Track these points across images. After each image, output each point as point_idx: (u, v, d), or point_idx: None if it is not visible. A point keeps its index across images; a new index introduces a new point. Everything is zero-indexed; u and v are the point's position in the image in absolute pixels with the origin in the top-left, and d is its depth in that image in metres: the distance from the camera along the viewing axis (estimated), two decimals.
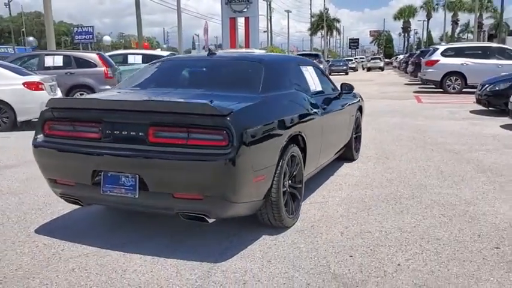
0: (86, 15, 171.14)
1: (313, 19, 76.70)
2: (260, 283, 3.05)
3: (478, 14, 58.52)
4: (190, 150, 3.20)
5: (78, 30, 54.13)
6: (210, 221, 3.40)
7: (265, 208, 3.72)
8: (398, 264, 3.29)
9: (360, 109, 6.76)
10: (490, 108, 11.79)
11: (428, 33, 77.34)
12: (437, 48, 18.78)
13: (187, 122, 3.22)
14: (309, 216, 4.30)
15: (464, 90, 17.26)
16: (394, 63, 53.08)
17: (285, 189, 3.87)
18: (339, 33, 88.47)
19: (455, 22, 63.43)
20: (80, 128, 3.57)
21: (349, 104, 6.03)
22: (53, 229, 4.04)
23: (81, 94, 12.67)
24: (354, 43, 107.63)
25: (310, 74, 5.04)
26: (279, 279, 3.09)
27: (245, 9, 30.58)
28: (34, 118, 9.77)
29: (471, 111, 12.27)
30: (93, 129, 3.50)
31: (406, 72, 30.82)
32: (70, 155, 3.55)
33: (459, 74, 17.32)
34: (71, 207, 4.55)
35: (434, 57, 17.90)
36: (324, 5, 65.79)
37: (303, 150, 4.22)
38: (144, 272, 3.21)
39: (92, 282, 3.08)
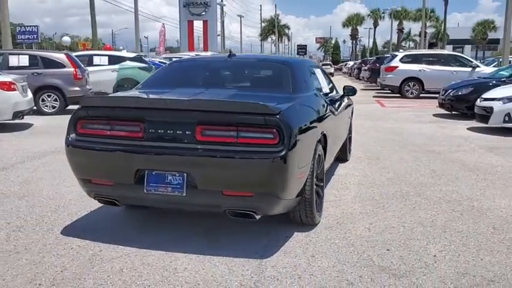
0: (27, 14, 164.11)
1: (263, 24, 77.63)
2: (314, 277, 3.15)
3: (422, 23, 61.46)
4: (240, 149, 3.25)
5: (21, 30, 51.74)
6: (258, 217, 3.46)
7: (298, 206, 3.82)
8: (435, 256, 3.49)
9: (352, 111, 7.02)
10: (453, 112, 12.47)
11: (374, 40, 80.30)
12: (396, 55, 19.62)
13: (237, 121, 3.27)
14: (330, 214, 4.43)
15: (421, 95, 18.14)
16: (344, 69, 54.58)
17: (315, 187, 3.99)
18: (289, 39, 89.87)
19: (400, 30, 66.26)
20: (119, 127, 3.52)
21: (348, 105, 6.26)
22: (79, 230, 3.94)
23: (48, 96, 12.24)
24: (302, 49, 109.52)
25: (320, 76, 5.20)
26: (331, 273, 3.21)
27: (203, 13, 30.56)
28: (5, 120, 9.36)
29: (434, 115, 12.90)
30: (135, 128, 3.47)
31: (358, 78, 31.89)
32: (111, 154, 3.49)
33: (417, 80, 18.16)
34: (86, 209, 4.46)
35: (393, 64, 18.69)
36: (276, 11, 66.84)
37: (324, 149, 4.36)
38: (196, 270, 3.22)
39: (148, 281, 3.07)
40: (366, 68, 26.27)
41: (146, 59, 17.17)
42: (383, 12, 66.60)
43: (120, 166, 3.52)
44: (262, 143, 3.26)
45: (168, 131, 3.40)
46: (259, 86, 4.29)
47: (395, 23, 63.49)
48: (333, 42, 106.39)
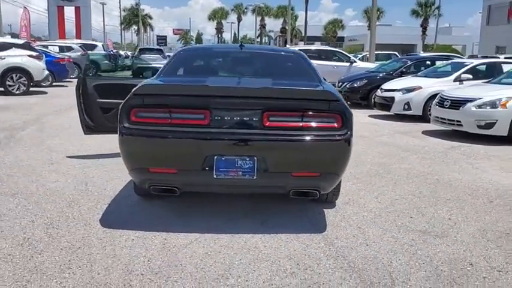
0: None
1: (123, 13, 74.70)
2: (375, 243, 3.59)
3: (282, 20, 65.08)
4: (308, 133, 3.53)
5: None
6: (319, 195, 3.77)
7: None
8: (449, 219, 4.19)
9: None
10: (349, 103, 13.85)
11: (234, 34, 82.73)
12: None
13: (302, 107, 3.54)
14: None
15: None
16: None
17: None
18: (152, 29, 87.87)
19: (262, 26, 69.46)
20: (182, 115, 3.53)
21: None
22: (122, 221, 3.83)
23: None
24: (162, 40, 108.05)
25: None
26: (387, 239, 3.69)
27: None
28: None
29: None
30: (199, 116, 3.52)
31: None
32: (177, 141, 3.49)
33: None
34: (104, 202, 4.30)
35: None
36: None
37: None
38: (274, 247, 3.45)
39: (240, 261, 3.21)
40: None
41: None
42: (246, 8, 69.15)
43: (188, 153, 3.54)
44: (327, 127, 3.57)
45: (235, 118, 3.52)
46: (286, 74, 4.55)
47: (259, 19, 66.39)
48: (194, 34, 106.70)
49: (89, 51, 18.56)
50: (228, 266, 3.14)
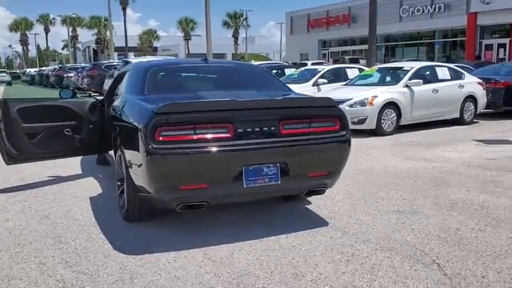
0: None
1: None
2: (374, 224, 4.18)
3: (97, 31, 62.43)
4: (316, 136, 3.93)
5: None
6: (325, 191, 4.20)
7: None
8: (403, 198, 5.01)
9: None
10: None
11: (39, 47, 76.34)
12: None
13: (310, 114, 3.94)
14: None
15: None
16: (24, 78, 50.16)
17: None
18: None
19: (75, 37, 65.43)
20: (206, 130, 3.59)
21: None
22: (143, 245, 3.67)
23: None
24: None
25: None
26: (379, 220, 4.30)
27: None
28: None
29: None
30: (223, 130, 3.64)
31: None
32: (208, 156, 3.54)
33: None
34: (95, 232, 4.04)
35: None
36: None
37: None
38: (308, 242, 3.76)
39: (294, 259, 3.47)
40: (85, 74, 25.54)
41: None
42: (53, 18, 64.22)
43: (218, 166, 3.62)
44: (330, 130, 4.01)
45: (255, 129, 3.73)
46: (262, 85, 4.82)
47: (71, 29, 62.36)
48: None
49: None
50: (291, 265, 3.36)
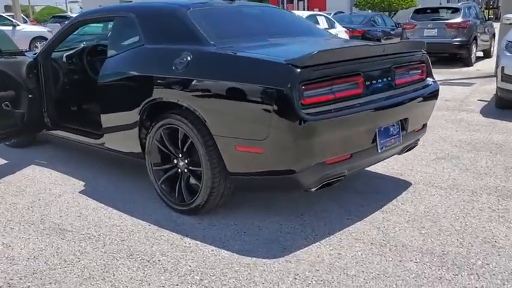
0: None
1: None
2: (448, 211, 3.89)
3: None
4: (418, 86, 3.47)
5: None
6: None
7: None
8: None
9: None
10: None
11: None
12: None
13: (409, 60, 3.43)
14: None
15: None
16: None
17: None
18: None
19: None
20: (340, 86, 2.84)
21: None
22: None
23: None
24: None
25: None
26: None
27: None
28: None
29: None
30: (354, 85, 2.94)
31: None
32: (353, 120, 2.84)
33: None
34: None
35: None
36: None
37: None
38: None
39: (353, 258, 3.02)
40: None
41: None
42: None
43: (361, 131, 2.96)
44: (420, 79, 3.55)
45: (379, 81, 3.11)
46: (309, 31, 4.00)
47: None
48: None
49: None
50: (354, 264, 2.66)
